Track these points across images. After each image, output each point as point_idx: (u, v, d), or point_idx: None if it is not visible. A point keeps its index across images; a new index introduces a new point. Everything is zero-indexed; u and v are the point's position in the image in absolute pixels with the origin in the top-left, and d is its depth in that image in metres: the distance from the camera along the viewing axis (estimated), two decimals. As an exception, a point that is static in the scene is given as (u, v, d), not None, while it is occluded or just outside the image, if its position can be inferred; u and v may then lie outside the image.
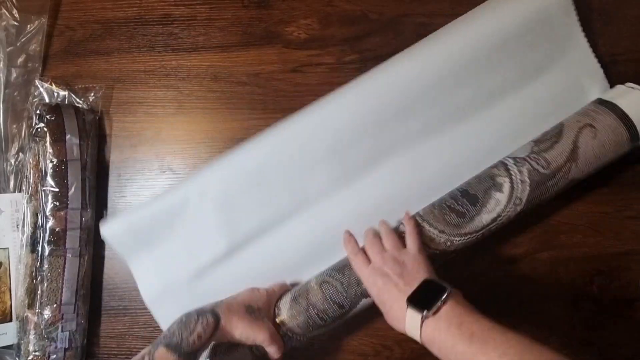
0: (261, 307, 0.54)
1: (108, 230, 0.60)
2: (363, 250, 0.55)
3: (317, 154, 0.60)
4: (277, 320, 0.56)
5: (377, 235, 0.56)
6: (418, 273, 0.49)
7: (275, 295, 0.57)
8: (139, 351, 0.62)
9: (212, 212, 0.60)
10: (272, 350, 0.53)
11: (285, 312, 0.56)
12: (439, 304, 0.45)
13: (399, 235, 0.55)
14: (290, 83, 0.67)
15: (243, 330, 0.51)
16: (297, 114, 0.61)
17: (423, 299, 0.46)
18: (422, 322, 0.45)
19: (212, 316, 0.51)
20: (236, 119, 0.67)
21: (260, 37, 0.68)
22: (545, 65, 0.62)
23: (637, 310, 0.61)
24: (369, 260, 0.54)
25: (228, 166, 0.61)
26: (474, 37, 0.60)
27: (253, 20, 0.68)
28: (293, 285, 0.60)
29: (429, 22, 0.67)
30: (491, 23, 0.60)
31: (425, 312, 0.45)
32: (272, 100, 0.67)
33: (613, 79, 0.63)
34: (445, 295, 0.45)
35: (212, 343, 0.53)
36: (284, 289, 0.59)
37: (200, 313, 0.51)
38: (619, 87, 0.60)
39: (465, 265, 0.62)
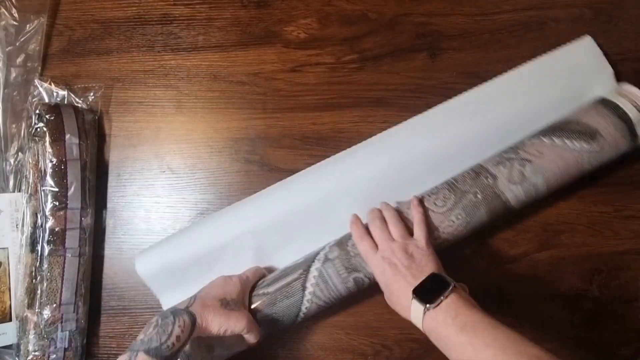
0: (235, 298, 0.54)
1: (142, 266, 0.61)
2: (369, 234, 0.56)
3: (355, 200, 0.60)
4: (252, 307, 0.56)
5: (383, 221, 0.56)
6: (426, 266, 0.51)
7: (249, 282, 0.58)
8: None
9: (251, 260, 0.61)
10: (250, 337, 0.54)
11: (259, 300, 0.57)
12: (441, 298, 0.47)
13: (404, 219, 0.56)
14: (289, 83, 0.67)
15: (220, 325, 0.52)
16: (339, 157, 0.63)
17: (428, 292, 0.48)
18: (424, 313, 0.48)
19: (188, 316, 0.50)
20: (235, 119, 0.67)
21: (260, 36, 0.68)
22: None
23: (636, 310, 0.61)
24: (375, 245, 0.55)
25: (266, 211, 0.61)
26: (508, 104, 0.61)
27: (252, 20, 0.68)
28: (268, 270, 0.61)
29: (428, 22, 0.67)
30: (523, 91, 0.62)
31: (427, 305, 0.47)
32: (272, 99, 0.67)
33: (613, 79, 0.64)
34: (448, 291, 0.47)
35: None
36: (257, 275, 0.59)
37: (175, 314, 0.50)
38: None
39: (466, 265, 0.62)
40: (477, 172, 0.57)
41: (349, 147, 0.65)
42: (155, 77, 0.68)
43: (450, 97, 0.64)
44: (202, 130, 0.67)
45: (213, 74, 0.68)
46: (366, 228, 0.57)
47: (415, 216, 0.56)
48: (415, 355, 0.61)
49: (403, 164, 0.60)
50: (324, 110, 0.66)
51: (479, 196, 0.56)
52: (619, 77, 0.63)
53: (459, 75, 0.66)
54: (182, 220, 0.66)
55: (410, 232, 0.55)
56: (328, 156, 0.65)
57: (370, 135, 0.64)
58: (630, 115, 0.56)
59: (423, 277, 0.50)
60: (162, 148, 0.67)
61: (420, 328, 0.49)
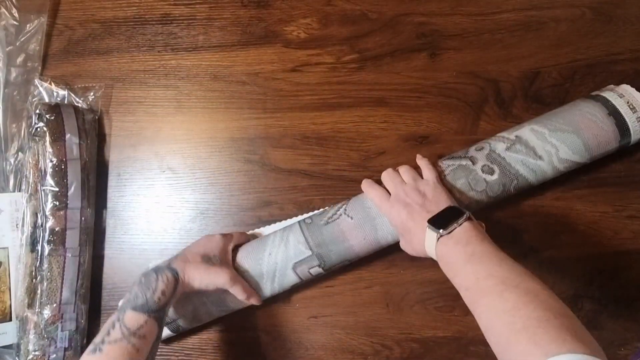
0: (217, 254, 0.56)
1: None
2: (381, 185, 0.57)
3: None
4: (234, 264, 0.57)
5: (393, 169, 0.58)
6: (440, 201, 0.53)
7: (232, 240, 0.59)
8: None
9: None
10: (236, 290, 0.55)
11: (242, 259, 0.58)
12: (455, 225, 0.48)
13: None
14: (289, 82, 0.67)
15: (202, 279, 0.53)
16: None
17: (442, 221, 0.49)
18: (437, 240, 0.48)
19: (170, 272, 0.51)
20: (235, 119, 0.67)
21: (260, 36, 0.68)
22: None
23: (637, 310, 0.61)
24: (387, 192, 0.56)
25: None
26: None
27: (252, 20, 0.68)
28: (253, 236, 0.61)
29: (428, 21, 0.67)
30: None
31: (441, 231, 0.48)
32: (272, 99, 0.67)
33: (613, 79, 0.64)
34: (462, 219, 0.48)
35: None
36: (242, 237, 0.60)
37: (158, 271, 0.51)
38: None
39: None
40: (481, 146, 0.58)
41: (349, 147, 0.65)
42: (155, 77, 0.68)
43: (450, 97, 0.65)
44: (202, 130, 0.67)
45: (213, 74, 0.68)
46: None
47: (421, 163, 0.57)
48: (415, 355, 0.61)
49: None
50: (324, 110, 0.66)
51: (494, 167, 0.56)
52: (619, 77, 0.63)
53: (459, 75, 0.66)
54: (182, 220, 0.66)
55: (421, 176, 0.56)
56: (328, 156, 0.65)
57: (371, 135, 0.65)
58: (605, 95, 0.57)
59: (438, 211, 0.50)
60: (162, 148, 0.67)
61: (433, 256, 0.49)
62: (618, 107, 0.56)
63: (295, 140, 0.66)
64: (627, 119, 0.56)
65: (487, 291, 0.42)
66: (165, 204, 0.66)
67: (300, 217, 0.61)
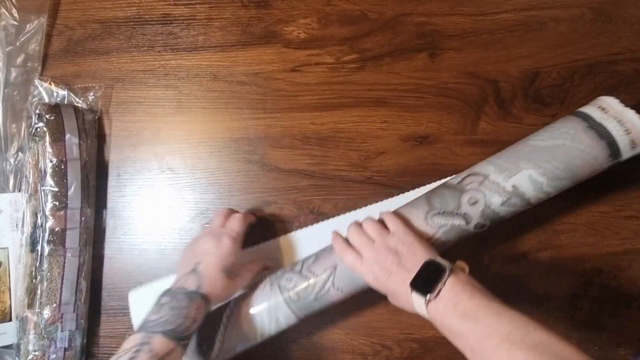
0: (234, 260, 0.54)
1: (134, 295, 0.62)
2: (350, 245, 0.54)
3: None
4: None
5: (359, 227, 0.54)
6: (415, 255, 0.49)
7: (241, 237, 0.57)
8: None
9: None
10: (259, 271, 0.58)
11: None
12: (439, 285, 0.46)
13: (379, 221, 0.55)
14: (289, 83, 0.67)
15: (230, 293, 0.54)
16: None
17: (425, 281, 0.47)
18: (426, 305, 0.46)
19: (202, 298, 0.50)
20: (235, 119, 0.67)
21: (260, 36, 0.68)
22: None
23: (636, 310, 0.61)
24: (359, 255, 0.52)
25: None
26: None
27: (252, 20, 0.68)
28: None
29: (428, 21, 0.67)
30: None
31: (428, 296, 0.46)
32: (272, 99, 0.67)
33: (613, 79, 0.64)
34: (445, 276, 0.46)
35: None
36: (245, 223, 0.59)
37: (190, 297, 0.50)
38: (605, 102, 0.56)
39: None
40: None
41: (349, 147, 0.65)
42: (155, 77, 0.68)
43: (450, 97, 0.65)
44: (202, 130, 0.67)
45: (213, 74, 0.68)
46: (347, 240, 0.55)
47: (383, 217, 0.54)
48: (415, 355, 0.61)
49: None
50: (324, 110, 0.66)
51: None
52: (619, 77, 0.63)
53: (459, 75, 0.66)
54: (182, 220, 0.66)
55: (387, 229, 0.53)
56: (328, 156, 0.65)
57: (371, 135, 0.65)
58: (589, 112, 0.53)
59: (417, 268, 0.48)
60: (162, 148, 0.67)
61: (427, 318, 0.48)
62: (622, 149, 0.52)
63: (295, 140, 0.66)
64: (623, 154, 0.53)
65: (493, 351, 0.41)
66: (165, 204, 0.66)
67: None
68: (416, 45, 0.67)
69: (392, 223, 0.53)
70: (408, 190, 0.63)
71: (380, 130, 0.65)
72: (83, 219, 0.62)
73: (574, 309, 0.62)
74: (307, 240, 0.62)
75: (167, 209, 0.66)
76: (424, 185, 0.63)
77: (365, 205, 0.63)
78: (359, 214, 0.62)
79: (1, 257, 0.63)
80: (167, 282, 0.61)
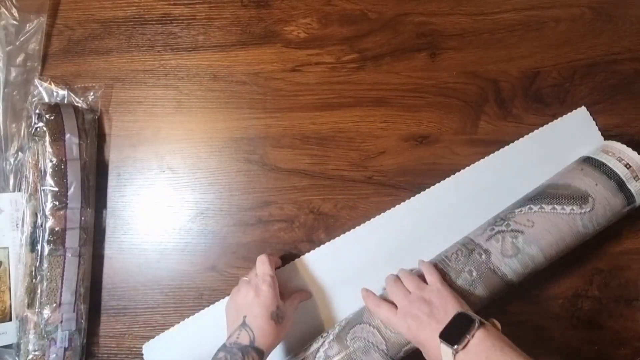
0: (278, 304, 0.55)
1: (149, 349, 0.63)
2: (385, 299, 0.55)
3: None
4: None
5: (397, 279, 0.56)
6: (447, 307, 0.50)
7: (275, 282, 0.57)
8: (139, 351, 0.63)
9: None
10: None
11: None
12: (468, 337, 0.46)
13: (418, 275, 0.56)
14: (289, 82, 0.67)
15: (281, 337, 0.55)
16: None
17: (454, 333, 0.47)
18: (454, 356, 0.46)
19: (256, 352, 0.51)
20: (235, 118, 0.67)
21: (260, 36, 0.68)
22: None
23: (636, 310, 0.61)
24: (394, 306, 0.54)
25: None
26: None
27: (252, 20, 0.68)
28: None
29: (428, 21, 0.67)
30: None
31: (455, 346, 0.46)
32: (272, 99, 0.67)
33: (613, 79, 0.64)
34: (474, 329, 0.46)
35: None
36: (272, 265, 0.58)
37: (244, 351, 0.51)
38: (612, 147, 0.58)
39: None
40: (470, 249, 0.56)
41: (349, 146, 0.65)
42: (155, 76, 0.68)
43: (450, 97, 0.65)
44: (202, 130, 0.67)
45: (213, 74, 0.68)
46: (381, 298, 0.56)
47: (423, 267, 0.56)
48: (415, 355, 0.61)
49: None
50: (324, 110, 0.66)
51: (474, 274, 0.54)
52: (618, 76, 0.63)
53: (459, 75, 0.66)
54: (182, 220, 0.66)
55: (425, 282, 0.55)
56: (328, 156, 0.65)
57: (371, 135, 0.65)
58: (618, 171, 0.54)
59: (448, 320, 0.48)
60: (162, 148, 0.67)
61: None
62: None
63: (295, 140, 0.66)
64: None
65: None
66: (165, 204, 0.66)
67: None
68: (416, 45, 0.67)
69: (430, 276, 0.54)
70: (409, 190, 0.63)
71: (380, 130, 0.65)
72: (83, 218, 0.62)
73: (574, 309, 0.62)
74: (322, 259, 0.63)
75: (167, 209, 0.66)
76: (425, 184, 0.63)
77: (368, 205, 0.64)
78: (375, 224, 0.63)
79: (1, 256, 0.63)
80: (180, 331, 0.63)
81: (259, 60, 0.68)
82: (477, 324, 0.46)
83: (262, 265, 0.57)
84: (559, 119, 0.63)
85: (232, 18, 0.68)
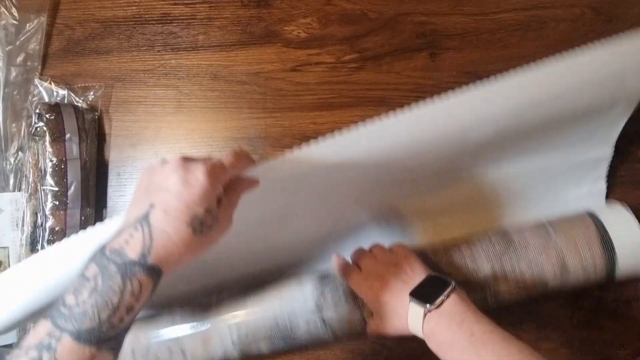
0: (210, 207, 0.36)
1: None
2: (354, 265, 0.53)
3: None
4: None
5: (363, 249, 0.54)
6: (415, 270, 0.48)
7: (223, 173, 0.39)
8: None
9: None
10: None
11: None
12: (442, 297, 0.44)
13: None
14: (289, 82, 0.67)
15: (194, 256, 0.37)
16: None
17: (426, 293, 0.45)
18: (424, 315, 0.44)
19: (148, 274, 0.34)
20: (236, 118, 0.67)
21: (260, 36, 0.68)
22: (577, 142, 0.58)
23: (636, 310, 0.61)
24: (360, 269, 0.51)
25: None
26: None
27: (252, 19, 0.68)
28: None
29: (428, 21, 0.67)
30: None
31: (428, 305, 0.44)
32: (272, 99, 0.67)
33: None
34: (449, 290, 0.44)
35: None
36: (242, 163, 0.42)
37: (126, 270, 0.33)
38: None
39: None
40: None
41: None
42: (155, 76, 0.68)
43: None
44: (202, 130, 0.67)
45: (213, 74, 0.68)
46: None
47: (392, 246, 0.53)
48: (415, 354, 0.61)
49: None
50: (324, 109, 0.66)
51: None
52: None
53: (459, 75, 0.66)
54: (182, 219, 0.66)
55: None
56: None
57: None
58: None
59: (417, 281, 0.46)
60: (162, 147, 0.67)
61: (420, 334, 0.45)
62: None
63: (296, 139, 0.66)
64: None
65: None
66: (165, 204, 0.66)
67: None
68: (417, 44, 0.67)
69: (397, 246, 0.52)
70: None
71: (380, 130, 0.65)
72: (83, 218, 0.62)
73: (574, 309, 0.62)
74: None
75: (167, 209, 0.66)
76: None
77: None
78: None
79: (2, 256, 0.63)
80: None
81: (259, 60, 0.68)
82: (452, 286, 0.44)
83: (223, 156, 0.40)
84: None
85: (232, 18, 0.69)
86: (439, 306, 0.44)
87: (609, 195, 0.62)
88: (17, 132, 0.66)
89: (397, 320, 0.47)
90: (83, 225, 0.62)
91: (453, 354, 0.42)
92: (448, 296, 0.44)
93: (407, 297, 0.45)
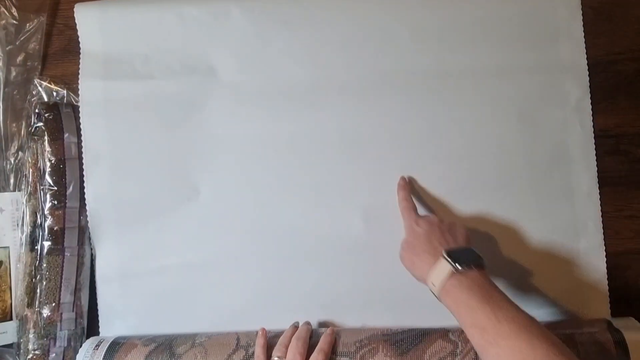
0: None
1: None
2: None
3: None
4: None
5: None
6: (460, 239, 0.52)
7: None
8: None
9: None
10: None
11: None
12: (472, 267, 0.47)
13: None
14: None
15: None
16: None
17: (459, 257, 0.48)
18: (450, 274, 0.47)
19: None
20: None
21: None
22: (534, 56, 0.61)
23: (637, 310, 0.61)
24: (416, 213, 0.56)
25: None
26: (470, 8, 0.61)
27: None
28: None
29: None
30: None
31: (459, 267, 0.47)
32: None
33: (613, 79, 0.63)
34: (481, 265, 0.48)
35: None
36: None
37: None
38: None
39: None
40: None
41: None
42: (155, 76, 0.68)
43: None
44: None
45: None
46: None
47: None
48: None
49: None
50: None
51: None
52: (619, 76, 0.63)
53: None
54: (181, 219, 0.66)
55: None
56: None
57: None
58: None
59: (456, 246, 0.50)
60: (161, 147, 0.67)
61: (436, 288, 0.48)
62: None
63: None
64: None
65: (511, 335, 0.41)
66: (165, 204, 0.66)
67: None
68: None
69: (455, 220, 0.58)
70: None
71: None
72: (82, 218, 0.63)
73: (573, 309, 0.61)
74: None
75: (167, 208, 0.66)
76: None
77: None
78: None
79: (2, 256, 0.63)
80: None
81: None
82: (484, 264, 0.48)
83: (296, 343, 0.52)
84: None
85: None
86: (466, 270, 0.47)
87: (609, 196, 0.62)
88: (17, 131, 0.66)
89: (420, 266, 0.51)
90: (82, 224, 0.62)
91: (467, 310, 0.45)
92: (478, 268, 0.47)
93: (439, 253, 0.49)
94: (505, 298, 0.45)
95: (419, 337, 0.53)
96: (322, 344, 0.52)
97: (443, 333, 0.54)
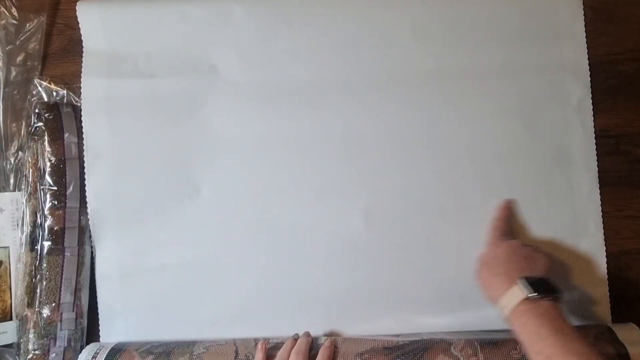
0: None
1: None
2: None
3: None
4: None
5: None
6: (540, 266, 0.51)
7: None
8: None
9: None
10: None
11: None
12: (548, 295, 0.47)
13: None
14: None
15: None
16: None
17: (535, 285, 0.48)
18: (522, 300, 0.47)
19: None
20: (235, 118, 0.67)
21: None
22: (536, 56, 0.61)
23: (637, 310, 0.61)
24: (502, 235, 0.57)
25: None
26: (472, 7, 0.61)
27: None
28: None
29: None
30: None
31: (534, 293, 0.46)
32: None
33: (613, 79, 0.63)
34: (556, 295, 0.47)
35: None
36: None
37: None
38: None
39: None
40: None
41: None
42: (155, 76, 0.68)
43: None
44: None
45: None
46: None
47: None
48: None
49: None
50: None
51: None
52: (619, 76, 0.63)
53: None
54: (181, 219, 0.66)
55: None
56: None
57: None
58: None
59: (537, 275, 0.49)
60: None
61: (506, 310, 0.48)
62: None
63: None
64: None
65: None
66: (165, 204, 0.66)
67: None
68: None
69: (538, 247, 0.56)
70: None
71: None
72: (82, 218, 0.63)
73: (574, 309, 0.61)
74: None
75: (167, 208, 0.66)
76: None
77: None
78: None
79: (2, 256, 0.63)
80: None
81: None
82: (560, 295, 0.47)
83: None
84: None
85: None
86: (539, 300, 0.46)
87: (609, 196, 0.62)
88: (17, 131, 0.66)
89: (495, 287, 0.50)
90: (82, 224, 0.62)
91: (537, 335, 0.44)
92: (552, 299, 0.47)
93: (517, 277, 0.48)
94: (577, 332, 0.44)
95: (421, 351, 0.53)
96: (321, 357, 0.52)
97: (445, 347, 0.53)
